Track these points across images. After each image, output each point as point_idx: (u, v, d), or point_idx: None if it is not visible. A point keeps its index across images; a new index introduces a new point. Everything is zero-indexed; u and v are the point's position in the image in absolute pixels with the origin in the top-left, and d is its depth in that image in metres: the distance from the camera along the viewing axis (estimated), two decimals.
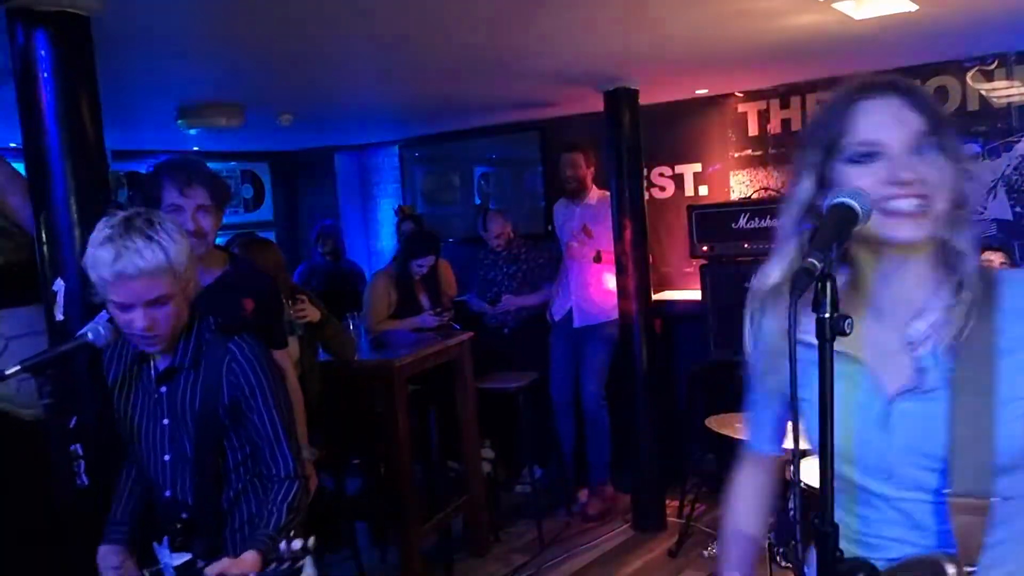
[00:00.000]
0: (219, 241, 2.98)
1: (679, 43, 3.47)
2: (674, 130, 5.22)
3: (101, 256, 1.71)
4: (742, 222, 4.24)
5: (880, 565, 1.12)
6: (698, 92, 4.99)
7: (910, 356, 1.17)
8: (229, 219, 5.42)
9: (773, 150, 4.97)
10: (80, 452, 2.15)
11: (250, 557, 1.70)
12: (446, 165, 6.42)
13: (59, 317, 2.18)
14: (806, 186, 1.21)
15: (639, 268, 4.41)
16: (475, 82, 4.14)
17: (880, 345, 1.20)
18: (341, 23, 2.80)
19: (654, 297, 4.67)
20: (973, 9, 3.16)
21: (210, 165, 2.64)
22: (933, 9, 3.06)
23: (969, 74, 4.37)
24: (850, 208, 1.09)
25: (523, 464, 5.08)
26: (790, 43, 3.56)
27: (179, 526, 1.92)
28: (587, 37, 3.26)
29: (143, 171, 5.02)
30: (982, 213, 4.26)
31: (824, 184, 1.19)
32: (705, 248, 4.37)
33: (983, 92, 4.37)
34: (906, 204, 1.12)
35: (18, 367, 1.73)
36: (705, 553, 4.10)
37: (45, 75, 2.12)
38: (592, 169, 4.91)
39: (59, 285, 2.17)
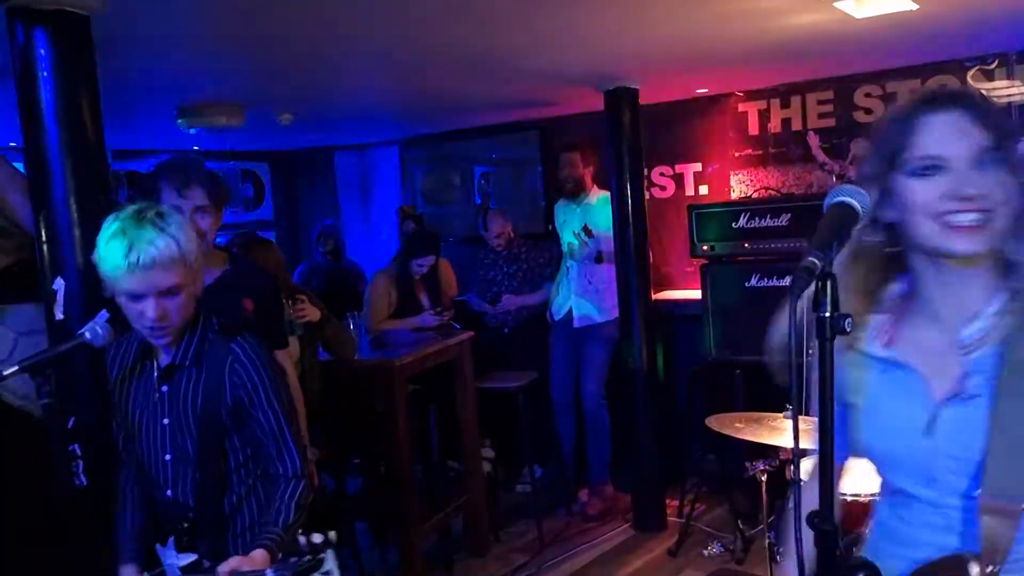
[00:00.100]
0: (219, 241, 2.99)
1: (679, 42, 3.47)
2: (674, 130, 5.22)
3: (114, 247, 1.74)
4: (742, 222, 4.23)
5: (913, 565, 1.15)
6: (698, 91, 4.99)
7: (959, 362, 1.19)
8: (229, 219, 5.41)
9: (773, 149, 4.97)
10: (79, 452, 2.15)
11: (260, 555, 1.71)
12: (446, 165, 6.41)
13: (59, 316, 2.18)
14: (872, 198, 1.21)
15: (639, 268, 4.41)
16: (475, 82, 4.13)
17: (932, 351, 1.22)
18: (341, 23, 2.79)
19: (654, 297, 4.67)
20: (974, 8, 3.16)
21: (210, 165, 2.65)
22: (934, 8, 3.06)
23: (970, 73, 4.37)
24: (850, 208, 1.09)
25: (523, 464, 5.08)
26: (791, 42, 3.56)
27: (185, 525, 1.92)
28: (587, 36, 3.25)
29: (143, 171, 5.02)
30: None
31: (886, 196, 1.20)
32: (705, 248, 4.36)
33: (984, 92, 4.37)
34: (967, 219, 1.13)
35: (16, 367, 1.73)
36: (705, 553, 4.10)
37: (45, 74, 2.12)
38: (591, 168, 4.90)
39: (59, 284, 2.17)
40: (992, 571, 1.11)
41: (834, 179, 4.76)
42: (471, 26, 2.97)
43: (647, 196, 4.60)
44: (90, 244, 1.88)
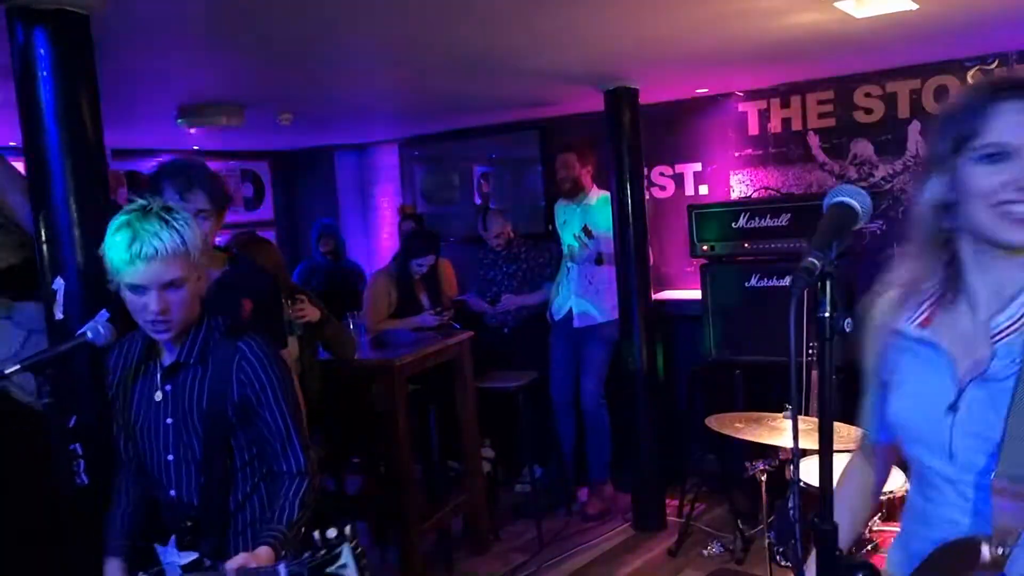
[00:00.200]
0: (219, 241, 2.99)
1: (679, 42, 3.47)
2: (674, 130, 5.22)
3: (119, 238, 1.76)
4: (742, 222, 4.24)
5: (932, 545, 1.17)
6: (698, 91, 4.99)
7: (989, 345, 1.20)
8: (229, 218, 5.40)
9: (773, 149, 4.97)
10: (80, 451, 2.15)
11: (264, 552, 1.71)
12: (446, 165, 6.41)
13: (59, 316, 2.18)
14: (937, 184, 1.22)
15: (639, 268, 4.41)
16: (475, 82, 4.13)
17: (965, 334, 1.23)
18: (341, 23, 2.79)
19: (654, 297, 4.67)
20: (974, 8, 3.16)
21: (210, 164, 2.64)
22: (934, 8, 3.06)
23: (970, 73, 4.36)
24: (850, 208, 1.09)
25: (523, 463, 5.08)
26: (791, 42, 3.56)
27: (189, 524, 1.92)
28: (587, 36, 3.25)
29: (143, 171, 5.02)
30: None
31: (952, 181, 1.20)
32: (705, 248, 4.37)
33: None
34: None
35: (17, 366, 1.74)
36: (705, 552, 4.10)
37: (44, 74, 2.12)
38: (589, 168, 4.88)
39: (59, 284, 2.17)
40: (1003, 552, 1.12)
41: (834, 179, 4.76)
42: (471, 26, 2.97)
43: (647, 196, 4.60)
44: (90, 244, 1.88)
